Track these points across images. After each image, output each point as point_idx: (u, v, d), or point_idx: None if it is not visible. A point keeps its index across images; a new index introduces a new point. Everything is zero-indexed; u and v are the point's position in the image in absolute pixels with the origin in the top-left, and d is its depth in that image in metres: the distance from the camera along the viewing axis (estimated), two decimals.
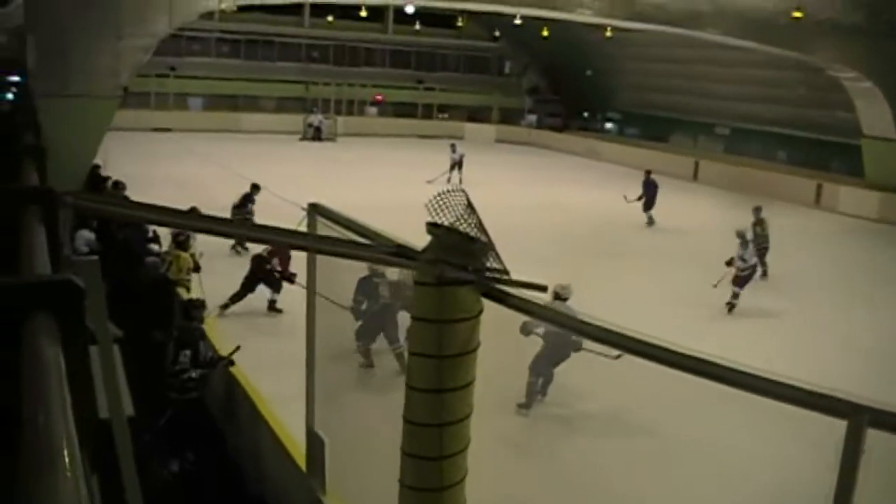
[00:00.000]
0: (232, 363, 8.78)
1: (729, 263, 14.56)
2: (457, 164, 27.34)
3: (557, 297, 8.86)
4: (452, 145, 27.92)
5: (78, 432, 1.13)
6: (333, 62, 44.80)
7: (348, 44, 44.77)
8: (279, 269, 12.03)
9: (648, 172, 22.92)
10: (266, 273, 12.05)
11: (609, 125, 44.97)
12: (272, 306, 12.19)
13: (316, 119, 39.88)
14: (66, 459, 1.02)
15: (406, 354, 4.55)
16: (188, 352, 8.34)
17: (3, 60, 27.13)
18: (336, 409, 5.77)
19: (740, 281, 14.40)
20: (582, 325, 3.59)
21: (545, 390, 9.21)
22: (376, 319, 9.06)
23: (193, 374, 8.30)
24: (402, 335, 8.59)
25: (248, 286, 12.01)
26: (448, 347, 3.92)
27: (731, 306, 14.17)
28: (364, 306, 8.65)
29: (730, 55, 30.56)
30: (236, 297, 11.97)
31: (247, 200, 16.16)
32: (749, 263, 14.63)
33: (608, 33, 34.62)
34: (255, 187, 16.38)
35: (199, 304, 8.85)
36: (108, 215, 5.32)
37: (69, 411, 1.18)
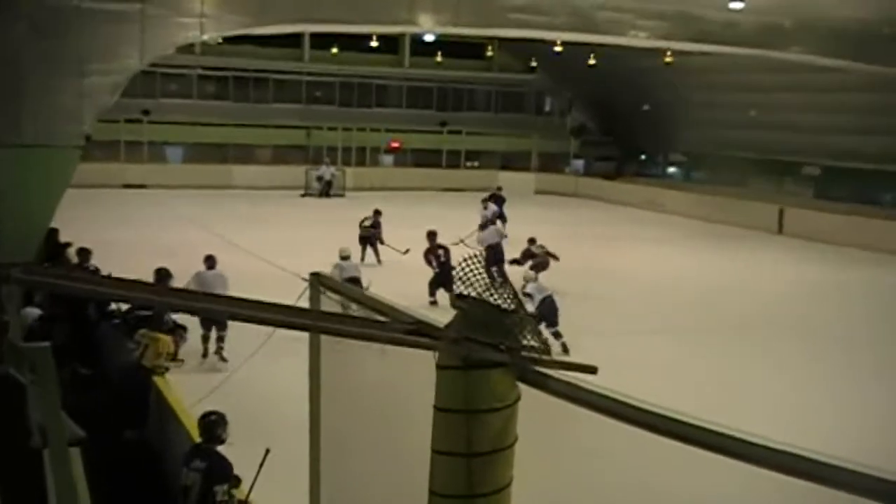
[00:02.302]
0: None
1: None
2: (490, 223, 27.44)
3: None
4: (484, 200, 28.12)
5: None
6: (340, 103, 45.57)
7: (357, 80, 45.56)
8: None
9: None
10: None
11: (672, 169, 45.09)
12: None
13: (327, 172, 40.42)
14: None
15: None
16: (225, 486, 7.77)
17: None
18: None
19: None
20: (647, 415, 3.53)
21: None
22: None
23: None
24: None
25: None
26: (478, 444, 3.87)
27: None
28: None
29: (819, 79, 30.59)
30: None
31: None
32: None
33: (668, 59, 35.00)
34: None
35: (221, 420, 8.40)
36: (63, 291, 5.38)
37: None
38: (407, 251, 22.15)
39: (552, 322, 15.64)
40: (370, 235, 24.23)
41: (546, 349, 3.86)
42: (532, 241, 22.47)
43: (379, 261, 23.47)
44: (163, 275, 13.58)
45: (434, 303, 18.12)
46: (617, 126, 46.76)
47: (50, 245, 16.50)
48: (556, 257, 20.94)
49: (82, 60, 16.61)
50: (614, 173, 45.69)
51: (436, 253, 19.49)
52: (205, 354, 14.41)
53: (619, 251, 27.33)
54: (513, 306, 3.87)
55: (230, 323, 12.36)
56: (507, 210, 29.04)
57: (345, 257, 17.57)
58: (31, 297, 11.96)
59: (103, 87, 17.00)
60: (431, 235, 19.83)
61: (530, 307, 15.49)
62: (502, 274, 16.37)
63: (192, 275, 15.21)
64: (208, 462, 7.84)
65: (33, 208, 15.47)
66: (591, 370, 3.79)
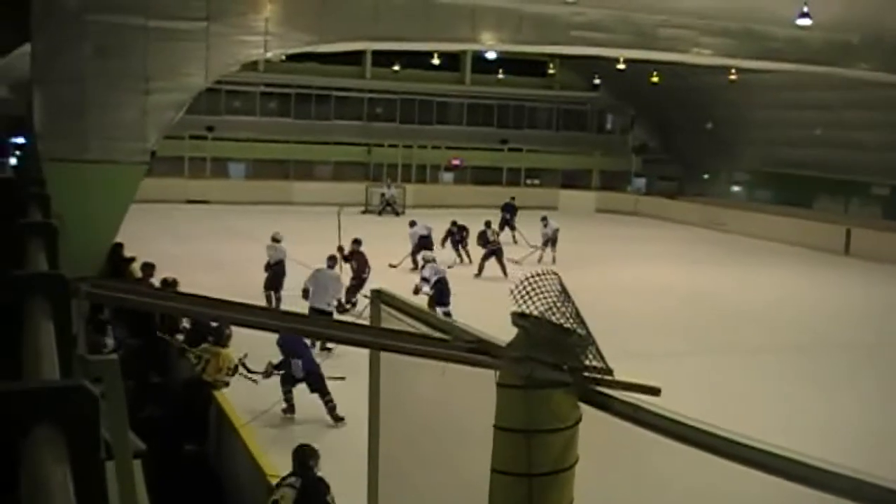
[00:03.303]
0: None
1: None
2: (550, 241, 27.39)
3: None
4: (544, 218, 28.06)
5: None
6: (400, 120, 45.82)
7: (418, 97, 45.82)
8: None
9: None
10: None
11: (735, 188, 44.55)
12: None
13: (389, 192, 40.65)
14: None
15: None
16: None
17: (4, 119, 28.08)
18: None
19: None
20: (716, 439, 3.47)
21: None
22: None
23: None
24: None
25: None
26: (539, 464, 3.85)
27: None
28: None
29: (887, 95, 30.01)
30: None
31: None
32: None
33: (732, 76, 34.68)
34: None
35: (313, 452, 8.05)
36: (131, 305, 5.45)
37: None
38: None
39: (443, 302, 16.96)
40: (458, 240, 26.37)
41: (608, 370, 3.82)
42: (488, 224, 25.47)
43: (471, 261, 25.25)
44: (168, 283, 13.85)
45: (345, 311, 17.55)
46: (679, 144, 46.40)
47: (115, 259, 16.76)
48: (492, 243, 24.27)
49: (147, 78, 16.89)
50: (676, 192, 45.33)
51: (356, 259, 19.29)
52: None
53: (679, 270, 26.99)
54: (575, 325, 3.85)
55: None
56: (555, 222, 28.42)
57: (277, 240, 19.25)
58: (101, 313, 12.17)
59: (168, 104, 17.25)
60: (356, 242, 19.62)
61: (426, 288, 17.44)
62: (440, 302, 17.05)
63: (311, 272, 16.25)
64: (303, 480, 7.66)
65: (98, 223, 15.76)
66: (655, 392, 3.74)
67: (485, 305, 8.82)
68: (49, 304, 2.26)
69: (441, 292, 17.31)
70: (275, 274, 18.82)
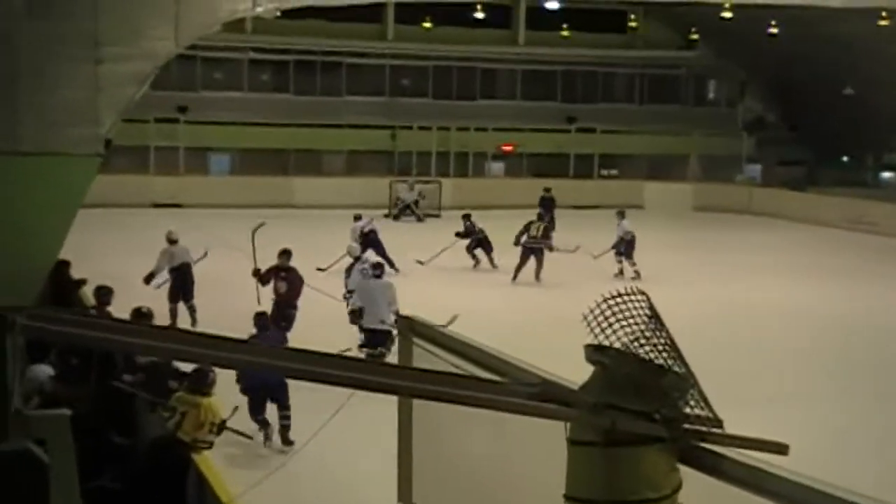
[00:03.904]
0: None
1: None
2: (623, 246, 27.42)
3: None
4: (619, 213, 28.08)
5: None
6: (434, 94, 46.15)
7: (457, 64, 46.05)
8: None
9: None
10: None
11: (887, 175, 44.17)
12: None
13: (409, 194, 40.86)
14: None
15: None
16: None
17: None
18: None
19: None
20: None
21: None
22: None
23: None
24: None
25: None
26: None
27: None
28: None
29: None
30: None
31: None
32: None
33: (883, 21, 34.20)
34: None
35: None
36: (84, 342, 5.51)
37: None
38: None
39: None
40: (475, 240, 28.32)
41: (717, 420, 3.79)
42: (467, 216, 28.56)
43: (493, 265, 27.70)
44: (143, 313, 13.80)
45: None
46: (807, 118, 46.17)
47: (59, 282, 16.83)
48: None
49: (99, 43, 16.83)
50: (804, 182, 45.08)
51: (279, 276, 18.89)
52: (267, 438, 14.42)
53: (808, 287, 26.81)
54: (670, 361, 3.82)
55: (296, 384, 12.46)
56: (629, 223, 28.62)
57: (173, 241, 20.62)
58: (41, 350, 12.27)
59: (127, 77, 17.09)
60: (284, 254, 19.27)
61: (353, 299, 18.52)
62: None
63: (356, 281, 18.22)
64: None
65: (37, 235, 15.76)
66: (782, 450, 3.71)
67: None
68: None
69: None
70: (180, 280, 20.35)
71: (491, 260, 27.86)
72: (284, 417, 13.94)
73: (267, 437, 13.97)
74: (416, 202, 40.54)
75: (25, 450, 1.35)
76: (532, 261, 25.93)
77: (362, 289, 17.74)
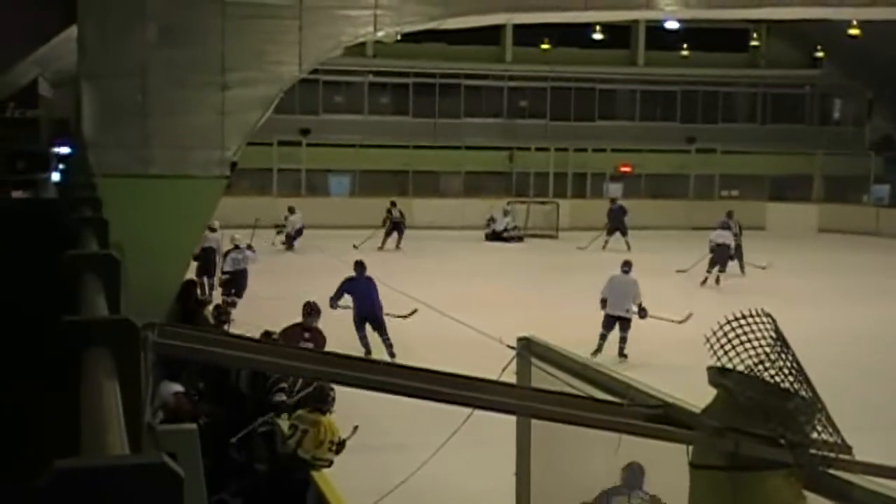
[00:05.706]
0: None
1: None
2: (721, 256, 27.59)
3: None
4: (729, 214, 28.50)
5: None
6: (552, 115, 46.08)
7: (574, 85, 46.00)
8: None
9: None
10: None
11: None
12: None
13: (503, 221, 40.66)
14: None
15: None
16: None
17: (44, 123, 28.92)
18: None
19: None
20: None
21: None
22: None
23: None
24: None
25: None
26: None
27: None
28: None
29: None
30: None
31: None
32: None
33: None
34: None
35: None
36: (209, 359, 5.62)
37: None
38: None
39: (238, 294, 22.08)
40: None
41: (846, 446, 3.74)
42: (393, 203, 33.42)
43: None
44: (269, 336, 13.80)
45: None
46: None
47: (186, 301, 17.04)
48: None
49: (225, 69, 17.10)
50: None
51: (303, 336, 15.89)
52: None
53: None
54: (796, 385, 3.78)
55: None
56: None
57: (213, 229, 22.56)
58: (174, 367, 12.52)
59: (252, 101, 17.39)
60: (310, 312, 16.54)
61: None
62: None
63: (608, 279, 20.31)
64: None
65: (167, 254, 16.04)
66: None
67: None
68: (112, 358, 2.28)
69: (241, 285, 22.66)
70: (204, 259, 23.07)
71: None
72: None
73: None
74: (505, 229, 40.40)
75: (162, 463, 1.37)
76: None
77: (612, 283, 20.22)
